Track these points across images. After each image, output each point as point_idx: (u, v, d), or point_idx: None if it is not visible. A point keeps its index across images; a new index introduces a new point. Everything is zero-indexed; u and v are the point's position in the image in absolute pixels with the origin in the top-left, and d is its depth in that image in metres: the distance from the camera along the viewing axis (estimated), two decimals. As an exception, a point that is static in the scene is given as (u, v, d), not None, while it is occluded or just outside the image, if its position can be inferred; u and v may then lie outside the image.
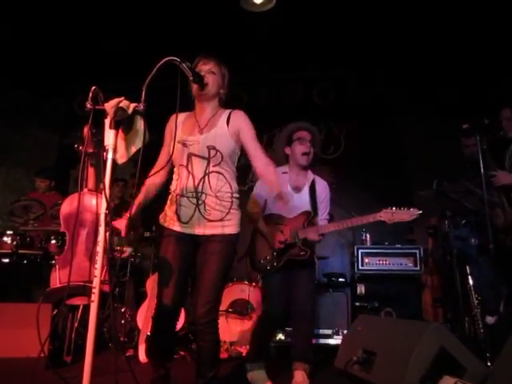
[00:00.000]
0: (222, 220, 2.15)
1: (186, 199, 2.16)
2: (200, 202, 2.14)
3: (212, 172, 2.16)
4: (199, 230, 2.16)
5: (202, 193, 2.14)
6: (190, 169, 2.18)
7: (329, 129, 6.50)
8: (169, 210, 2.25)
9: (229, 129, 2.19)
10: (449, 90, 5.60)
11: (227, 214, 2.16)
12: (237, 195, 2.26)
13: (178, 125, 2.22)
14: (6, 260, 3.88)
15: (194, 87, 2.21)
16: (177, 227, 2.20)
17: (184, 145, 2.20)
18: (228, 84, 2.35)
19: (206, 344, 2.12)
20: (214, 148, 2.15)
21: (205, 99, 2.27)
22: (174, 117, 2.22)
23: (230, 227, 2.18)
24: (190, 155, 2.18)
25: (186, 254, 2.19)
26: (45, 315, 3.02)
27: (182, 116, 2.32)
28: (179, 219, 2.19)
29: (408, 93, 5.96)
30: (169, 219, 2.24)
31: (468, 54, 5.30)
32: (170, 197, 2.28)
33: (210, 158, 2.15)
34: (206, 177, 2.15)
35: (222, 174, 2.18)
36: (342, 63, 5.99)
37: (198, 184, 2.15)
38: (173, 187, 2.26)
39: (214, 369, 2.14)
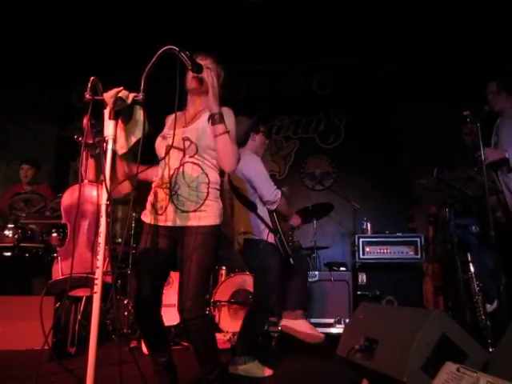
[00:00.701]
0: (196, 211, 2.09)
1: (161, 190, 2.14)
2: (173, 192, 2.10)
3: (187, 162, 2.13)
4: (174, 222, 2.11)
5: (175, 183, 2.11)
6: (166, 160, 2.17)
7: (328, 118, 6.49)
8: (148, 204, 2.24)
9: (210, 124, 2.15)
10: (449, 77, 5.57)
11: (202, 204, 2.10)
12: (215, 186, 2.18)
13: (169, 120, 2.28)
14: (8, 253, 3.88)
15: (189, 80, 2.21)
16: (153, 220, 2.17)
17: (163, 137, 2.21)
18: (221, 84, 2.30)
19: (197, 340, 2.08)
20: (188, 139, 2.14)
21: (196, 93, 2.26)
22: (169, 117, 2.31)
23: (207, 218, 2.10)
24: (167, 147, 2.16)
25: (163, 246, 2.15)
26: (48, 307, 3.03)
27: (173, 115, 2.26)
28: (155, 211, 2.16)
29: (408, 80, 5.94)
30: (146, 212, 2.23)
31: (469, 41, 5.26)
32: (150, 193, 2.26)
33: (185, 149, 2.14)
34: (181, 167, 2.12)
35: (198, 165, 2.13)
36: (341, 52, 5.96)
37: (173, 174, 2.12)
38: (154, 182, 2.26)
39: (214, 369, 2.10)
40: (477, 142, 2.99)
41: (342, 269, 4.45)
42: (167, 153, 2.12)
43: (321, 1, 4.91)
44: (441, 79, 5.71)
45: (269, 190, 3.08)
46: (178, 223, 2.10)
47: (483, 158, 2.92)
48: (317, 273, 4.10)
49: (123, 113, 1.71)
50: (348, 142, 6.31)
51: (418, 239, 4.36)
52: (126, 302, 4.09)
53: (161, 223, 2.14)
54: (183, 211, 2.10)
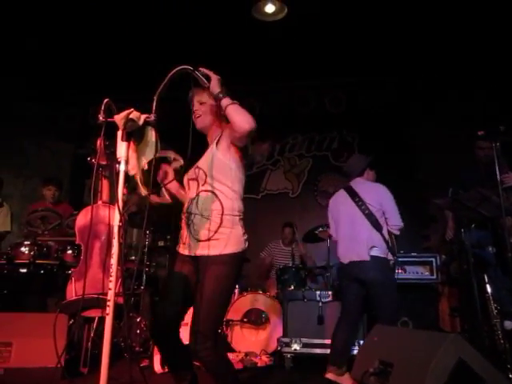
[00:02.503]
0: (209, 240, 2.09)
1: (184, 220, 2.21)
2: (189, 221, 2.15)
3: (201, 191, 2.17)
4: (192, 251, 2.14)
5: (191, 213, 2.16)
6: (187, 191, 2.27)
7: (342, 136, 6.50)
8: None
9: (218, 147, 2.17)
10: (462, 97, 5.55)
11: (215, 233, 2.08)
12: (231, 213, 2.13)
13: None
14: (24, 270, 3.92)
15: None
16: (180, 248, 2.24)
17: (185, 172, 2.31)
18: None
19: (207, 368, 2.06)
20: (197, 167, 2.20)
21: (205, 131, 2.31)
22: None
23: (222, 247, 2.07)
24: (188, 180, 2.27)
25: (189, 274, 2.17)
26: (61, 325, 3.05)
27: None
28: (181, 240, 2.24)
29: (421, 99, 5.94)
30: (179, 240, 2.30)
31: (481, 61, 5.26)
32: None
33: (198, 178, 2.19)
34: (197, 196, 2.17)
35: (213, 193, 2.14)
36: (354, 71, 5.98)
37: (189, 205, 2.19)
38: None
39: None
40: (490, 156, 2.96)
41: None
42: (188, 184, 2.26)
43: (334, 20, 4.96)
44: (455, 96, 5.70)
45: (398, 217, 3.44)
46: (193, 252, 2.14)
47: (499, 178, 2.87)
48: (330, 292, 4.05)
49: (135, 134, 1.72)
50: (361, 160, 6.29)
51: (434, 259, 4.29)
52: (138, 319, 4.09)
53: (185, 252, 2.19)
54: (198, 240, 2.12)
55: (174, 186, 2.33)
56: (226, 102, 2.03)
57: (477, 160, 3.84)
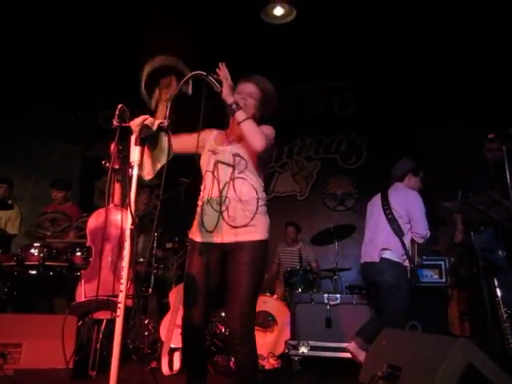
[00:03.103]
0: (247, 226, 2.09)
1: (210, 207, 2.13)
2: (223, 207, 2.10)
3: (237, 178, 2.14)
4: (225, 238, 2.10)
5: (226, 197, 2.11)
6: (215, 174, 2.17)
7: (350, 138, 6.49)
8: (195, 222, 2.24)
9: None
10: (473, 99, 5.52)
11: (252, 219, 2.09)
12: (263, 202, 2.17)
13: (212, 138, 2.28)
14: (34, 272, 3.95)
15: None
16: (202, 237, 2.16)
17: (213, 152, 2.21)
18: (271, 109, 2.36)
19: (243, 357, 2.04)
20: (238, 155, 2.15)
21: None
22: (206, 130, 2.28)
23: (257, 233, 2.10)
24: (216, 162, 2.18)
25: (212, 264, 2.13)
26: (70, 327, 3.07)
27: (215, 131, 2.34)
28: (205, 229, 2.14)
29: (431, 101, 5.92)
30: (194, 230, 2.22)
31: (493, 63, 5.23)
32: (197, 210, 2.25)
33: (235, 164, 2.14)
34: (231, 181, 2.12)
35: (248, 181, 2.14)
36: (362, 73, 5.98)
37: (223, 189, 2.12)
38: (200, 198, 2.25)
39: (252, 378, 2.08)
40: (498, 158, 2.95)
41: (364, 292, 4.38)
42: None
43: (342, 22, 4.96)
44: (464, 99, 5.67)
45: (423, 226, 3.46)
46: (230, 239, 2.10)
47: (509, 182, 2.85)
48: (338, 296, 4.02)
49: (149, 139, 1.74)
50: (370, 163, 6.29)
51: (443, 262, 4.27)
52: (146, 321, 4.10)
53: (211, 240, 2.13)
54: (234, 227, 2.09)
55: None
56: (240, 116, 2.05)
57: (486, 161, 3.83)
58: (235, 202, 2.10)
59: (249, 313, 2.03)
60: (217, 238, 2.12)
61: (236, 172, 2.14)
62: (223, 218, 2.10)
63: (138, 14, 4.81)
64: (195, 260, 2.15)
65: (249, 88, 2.27)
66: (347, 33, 5.13)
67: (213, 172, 2.18)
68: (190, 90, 2.02)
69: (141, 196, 4.89)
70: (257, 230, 2.10)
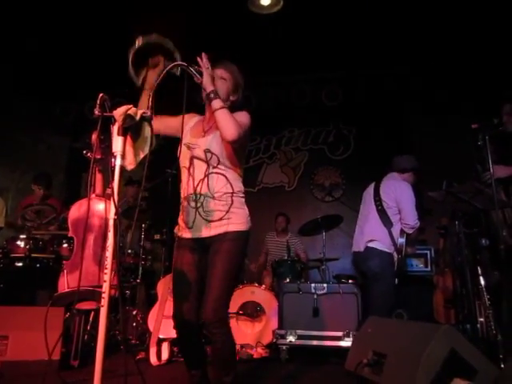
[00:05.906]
0: (221, 219, 2.12)
1: (188, 204, 2.18)
2: (199, 204, 2.13)
3: (211, 173, 2.15)
4: (203, 233, 2.14)
5: (200, 194, 2.14)
6: (191, 171, 2.20)
7: (338, 129, 6.50)
8: (179, 219, 2.27)
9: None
10: (459, 90, 5.56)
11: (227, 212, 2.12)
12: (239, 195, 2.21)
13: (189, 128, 2.27)
14: (20, 264, 3.93)
15: (204, 92, 2.18)
16: (185, 233, 2.20)
17: (188, 147, 2.22)
18: (241, 93, 2.33)
19: (218, 345, 2.07)
20: (209, 151, 2.16)
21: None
22: (188, 116, 2.28)
23: (233, 225, 2.13)
24: (192, 158, 2.20)
25: (198, 260, 2.17)
26: (57, 318, 3.06)
27: (195, 118, 2.34)
28: (186, 225, 2.19)
29: (417, 92, 5.94)
30: (178, 226, 2.27)
31: (480, 53, 5.26)
32: (180, 206, 2.28)
33: (208, 160, 2.16)
34: (206, 178, 2.15)
35: (223, 175, 2.16)
36: (350, 64, 5.98)
37: (197, 186, 2.15)
38: (181, 195, 2.27)
39: (230, 372, 2.10)
40: (484, 155, 2.97)
41: (350, 281, 4.42)
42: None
43: (330, 13, 4.95)
44: (451, 90, 5.70)
45: (413, 216, 3.49)
46: (206, 234, 2.13)
47: (492, 171, 2.88)
48: (325, 285, 4.06)
49: (132, 129, 1.73)
50: (357, 153, 6.31)
51: (428, 252, 4.33)
52: (134, 312, 4.11)
53: (192, 236, 2.17)
54: (210, 221, 2.13)
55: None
56: (216, 104, 2.06)
57: (473, 157, 3.85)
58: (208, 199, 2.13)
59: (221, 299, 2.05)
60: (196, 234, 2.16)
61: (210, 168, 2.16)
62: (199, 213, 2.14)
63: (123, 1, 4.74)
64: (182, 258, 2.19)
65: (220, 73, 2.25)
66: (334, 23, 5.12)
67: (188, 169, 2.21)
68: (177, 71, 2.04)
69: (129, 190, 4.87)
70: (231, 222, 2.13)
